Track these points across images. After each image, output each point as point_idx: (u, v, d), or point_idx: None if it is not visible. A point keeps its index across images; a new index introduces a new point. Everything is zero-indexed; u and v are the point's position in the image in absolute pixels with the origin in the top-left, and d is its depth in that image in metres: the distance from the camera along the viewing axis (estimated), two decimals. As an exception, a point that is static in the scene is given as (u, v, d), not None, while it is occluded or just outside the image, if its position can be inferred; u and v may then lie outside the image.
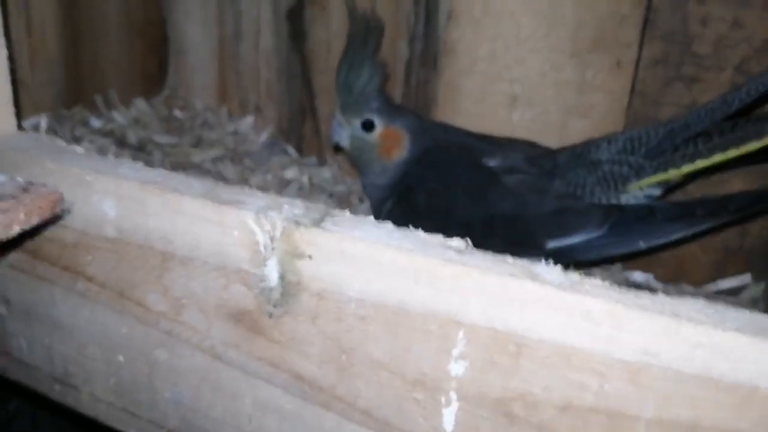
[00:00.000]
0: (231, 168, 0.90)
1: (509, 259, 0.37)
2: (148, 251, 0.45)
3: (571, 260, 0.70)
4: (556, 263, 0.73)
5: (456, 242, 0.38)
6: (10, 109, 0.52)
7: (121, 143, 0.90)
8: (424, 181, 0.71)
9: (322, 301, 0.40)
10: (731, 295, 0.81)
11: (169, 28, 0.98)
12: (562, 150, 0.71)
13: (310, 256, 0.39)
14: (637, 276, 0.84)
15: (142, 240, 0.45)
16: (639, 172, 0.65)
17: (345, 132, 0.75)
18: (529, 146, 0.74)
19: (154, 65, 0.99)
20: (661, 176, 0.64)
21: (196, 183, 0.44)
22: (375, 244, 0.37)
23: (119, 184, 0.44)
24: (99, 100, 0.93)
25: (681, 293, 0.82)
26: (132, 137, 0.91)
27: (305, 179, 0.90)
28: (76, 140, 0.87)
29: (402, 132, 0.74)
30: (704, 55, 0.74)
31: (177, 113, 0.99)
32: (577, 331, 0.34)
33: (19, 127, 0.52)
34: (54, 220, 0.44)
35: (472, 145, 0.73)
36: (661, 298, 0.33)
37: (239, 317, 0.43)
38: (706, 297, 0.81)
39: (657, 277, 0.84)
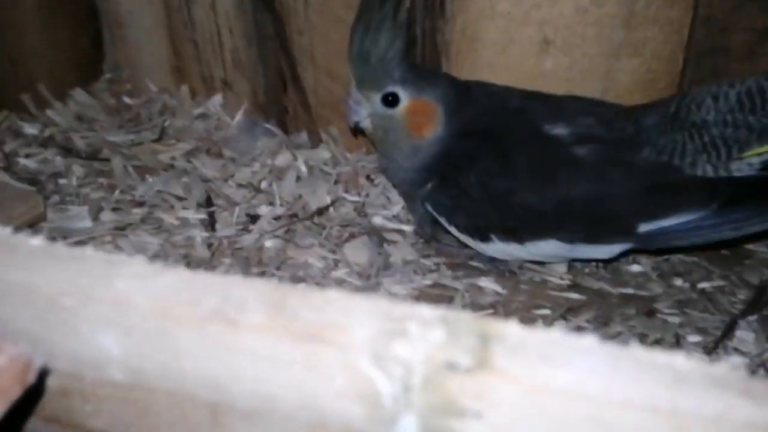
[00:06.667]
0: (210, 163, 0.71)
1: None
2: (185, 401, 0.28)
3: (668, 246, 0.55)
4: (651, 250, 0.58)
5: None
6: None
7: (68, 151, 0.69)
8: (475, 158, 0.56)
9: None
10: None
11: (99, -2, 0.75)
12: (645, 108, 0.55)
13: (479, 415, 0.23)
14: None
15: (173, 386, 0.27)
16: (762, 136, 0.48)
17: (364, 110, 0.57)
18: (595, 104, 0.57)
19: (86, 45, 0.76)
20: (795, 139, 0.48)
21: (248, 291, 0.26)
22: (603, 399, 0.21)
23: (121, 310, 0.26)
24: (28, 99, 0.71)
25: None
26: (79, 141, 0.70)
27: (301, 165, 0.71)
28: (9, 159, 0.66)
29: (434, 103, 0.57)
30: (782, -34, 0.58)
31: (127, 100, 0.77)
32: None
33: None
34: (26, 392, 0.26)
35: (526, 109, 0.57)
36: None
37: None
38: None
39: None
